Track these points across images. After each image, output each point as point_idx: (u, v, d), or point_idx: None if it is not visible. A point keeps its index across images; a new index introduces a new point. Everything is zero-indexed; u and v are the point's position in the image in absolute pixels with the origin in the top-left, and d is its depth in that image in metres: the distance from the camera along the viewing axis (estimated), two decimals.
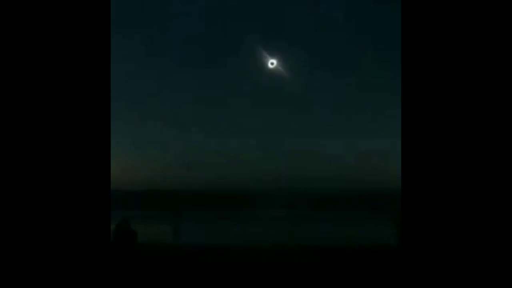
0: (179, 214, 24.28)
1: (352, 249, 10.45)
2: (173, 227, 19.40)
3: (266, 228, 21.33)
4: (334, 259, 8.70)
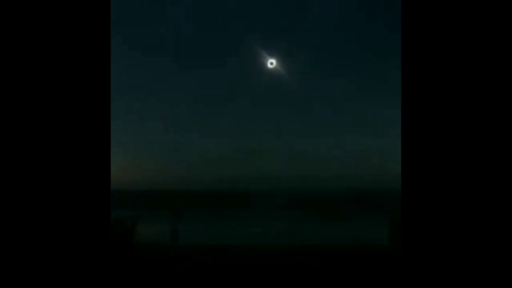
0: (178, 215, 24.29)
1: (351, 249, 10.45)
2: (171, 228, 19.41)
3: (266, 228, 21.35)
4: (334, 259, 8.71)
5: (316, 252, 9.90)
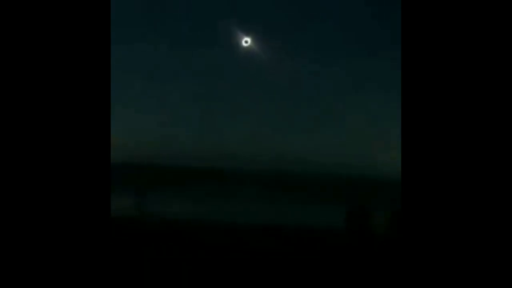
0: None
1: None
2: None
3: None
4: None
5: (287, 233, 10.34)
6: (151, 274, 5.75)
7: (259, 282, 5.57)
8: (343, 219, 13.01)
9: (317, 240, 9.35)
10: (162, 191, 29.80)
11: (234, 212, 18.55)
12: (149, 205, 19.59)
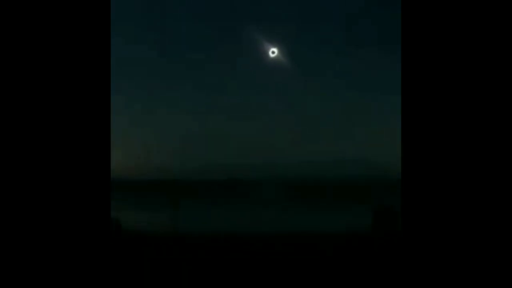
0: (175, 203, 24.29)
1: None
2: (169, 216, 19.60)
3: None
4: (325, 246, 8.89)
5: (308, 239, 10.07)
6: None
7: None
8: (369, 221, 12.48)
9: (343, 246, 8.97)
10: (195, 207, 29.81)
11: (259, 220, 18.51)
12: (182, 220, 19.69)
